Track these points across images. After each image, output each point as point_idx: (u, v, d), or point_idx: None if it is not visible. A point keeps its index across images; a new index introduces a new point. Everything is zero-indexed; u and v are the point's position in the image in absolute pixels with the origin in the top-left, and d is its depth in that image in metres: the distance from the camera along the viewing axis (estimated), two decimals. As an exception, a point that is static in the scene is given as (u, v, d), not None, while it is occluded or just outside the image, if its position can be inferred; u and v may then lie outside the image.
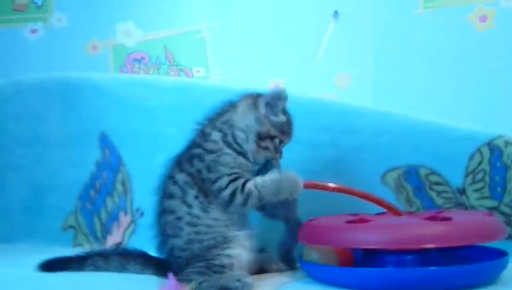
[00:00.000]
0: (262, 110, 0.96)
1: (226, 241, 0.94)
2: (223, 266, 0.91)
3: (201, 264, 0.92)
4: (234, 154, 0.95)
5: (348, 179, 1.12)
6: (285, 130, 0.98)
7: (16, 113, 1.40)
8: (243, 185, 0.93)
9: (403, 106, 1.28)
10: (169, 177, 0.97)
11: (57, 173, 1.36)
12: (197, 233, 0.93)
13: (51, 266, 0.98)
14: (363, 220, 0.92)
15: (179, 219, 0.94)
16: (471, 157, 1.16)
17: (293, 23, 1.43)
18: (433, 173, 1.18)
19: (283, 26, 1.44)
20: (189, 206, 0.94)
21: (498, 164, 1.15)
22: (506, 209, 1.15)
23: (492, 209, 1.15)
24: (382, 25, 1.38)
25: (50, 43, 1.54)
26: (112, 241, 1.31)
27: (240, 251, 0.94)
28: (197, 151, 0.96)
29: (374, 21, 1.39)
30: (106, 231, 1.32)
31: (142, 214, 1.29)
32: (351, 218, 0.95)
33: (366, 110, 1.21)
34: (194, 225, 0.94)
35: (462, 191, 1.17)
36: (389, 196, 1.16)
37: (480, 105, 1.33)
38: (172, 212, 0.95)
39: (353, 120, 1.21)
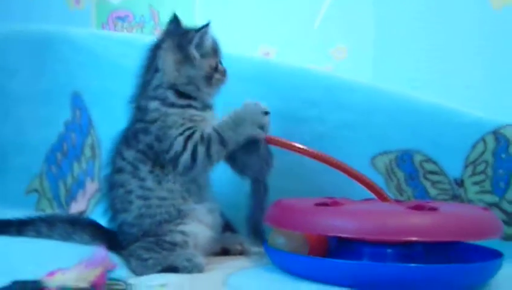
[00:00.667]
0: (197, 55, 0.88)
1: (180, 215, 0.84)
2: (174, 244, 0.82)
3: (150, 239, 0.83)
4: (180, 110, 0.87)
5: (334, 159, 1.00)
6: (217, 48, 0.92)
7: (-14, 65, 1.32)
8: (201, 137, 0.85)
9: (403, 84, 1.17)
10: (117, 153, 0.90)
11: (24, 131, 1.29)
12: (148, 207, 0.85)
13: (-14, 228, 0.89)
14: (335, 203, 0.80)
15: (129, 192, 0.86)
16: (473, 146, 1.03)
17: (289, -13, 1.31)
18: (429, 160, 1.06)
19: (279, -9, 1.32)
20: (142, 179, 0.86)
21: (503, 156, 1.03)
22: (508, 207, 1.02)
23: (492, 205, 1.02)
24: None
25: (31, -7, 1.45)
26: (76, 208, 1.22)
27: (197, 228, 0.85)
28: (139, 125, 0.88)
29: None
30: (71, 197, 1.24)
31: (109, 182, 1.19)
32: (325, 201, 0.84)
33: (359, 85, 1.10)
34: (146, 198, 0.85)
35: (460, 183, 1.05)
36: (378, 182, 1.04)
37: (490, 89, 1.20)
38: (121, 186, 0.87)
39: (344, 95, 1.09)
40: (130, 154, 0.87)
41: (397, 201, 0.97)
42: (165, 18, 1.38)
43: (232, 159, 0.90)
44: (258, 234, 0.93)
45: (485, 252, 0.86)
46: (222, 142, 0.85)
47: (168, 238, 0.82)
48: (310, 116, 1.09)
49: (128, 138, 0.89)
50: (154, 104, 0.87)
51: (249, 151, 0.89)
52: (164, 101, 0.87)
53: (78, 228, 0.92)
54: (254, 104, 0.88)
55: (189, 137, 0.85)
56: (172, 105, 0.87)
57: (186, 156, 0.85)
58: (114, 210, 0.88)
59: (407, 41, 1.24)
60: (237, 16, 1.32)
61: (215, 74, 0.90)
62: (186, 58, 0.87)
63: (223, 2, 1.35)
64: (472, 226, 0.79)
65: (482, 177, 1.04)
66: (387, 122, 1.07)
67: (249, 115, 0.87)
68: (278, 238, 0.86)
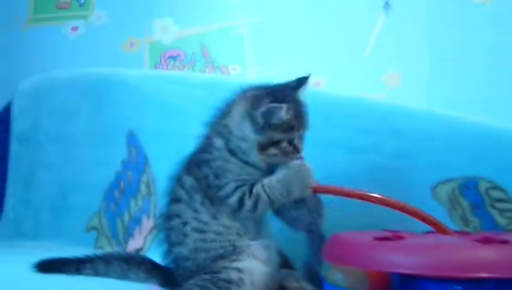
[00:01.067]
0: (261, 122, 0.82)
1: (236, 251, 0.83)
2: (230, 282, 0.80)
3: (205, 277, 0.81)
4: (240, 163, 0.84)
5: (393, 190, 0.95)
6: (292, 126, 0.83)
7: (49, 109, 1.39)
8: (250, 189, 0.83)
9: (459, 108, 1.11)
10: (177, 180, 0.89)
11: (83, 171, 1.32)
12: (203, 241, 0.83)
13: (47, 266, 0.91)
14: (396, 237, 0.76)
15: (185, 224, 0.85)
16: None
17: (338, 16, 1.31)
18: (495, 187, 0.99)
19: (327, 20, 1.31)
20: (196, 211, 0.85)
21: None
22: None
23: None
24: (438, 18, 1.22)
25: (89, 40, 1.51)
26: (133, 246, 1.23)
27: (253, 264, 0.82)
28: (204, 156, 0.87)
29: (429, 13, 1.23)
30: (128, 234, 1.25)
31: (165, 218, 1.19)
32: (384, 234, 0.80)
33: (414, 111, 1.06)
34: (201, 232, 0.84)
35: (531, 211, 0.97)
36: (440, 213, 0.99)
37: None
38: (178, 216, 0.86)
39: (399, 122, 1.05)
40: (188, 180, 0.86)
41: (461, 232, 0.91)
42: (216, 55, 1.43)
43: (281, 214, 0.88)
44: (316, 280, 0.89)
45: None
46: (271, 203, 0.83)
47: (223, 275, 0.80)
48: (365, 145, 1.06)
49: (190, 164, 0.88)
50: (219, 142, 0.85)
51: (297, 205, 0.86)
52: (227, 144, 0.84)
53: (134, 265, 0.91)
54: (301, 166, 0.84)
55: (240, 186, 0.83)
56: (234, 154, 0.84)
57: (233, 201, 0.83)
58: (169, 243, 0.87)
59: (461, 64, 1.19)
60: (287, 50, 1.32)
61: (270, 148, 0.83)
62: (250, 116, 0.83)
63: (272, 37, 1.35)
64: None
65: (555, 204, 0.96)
66: (446, 149, 1.02)
67: (297, 181, 0.83)
68: (336, 274, 0.82)
